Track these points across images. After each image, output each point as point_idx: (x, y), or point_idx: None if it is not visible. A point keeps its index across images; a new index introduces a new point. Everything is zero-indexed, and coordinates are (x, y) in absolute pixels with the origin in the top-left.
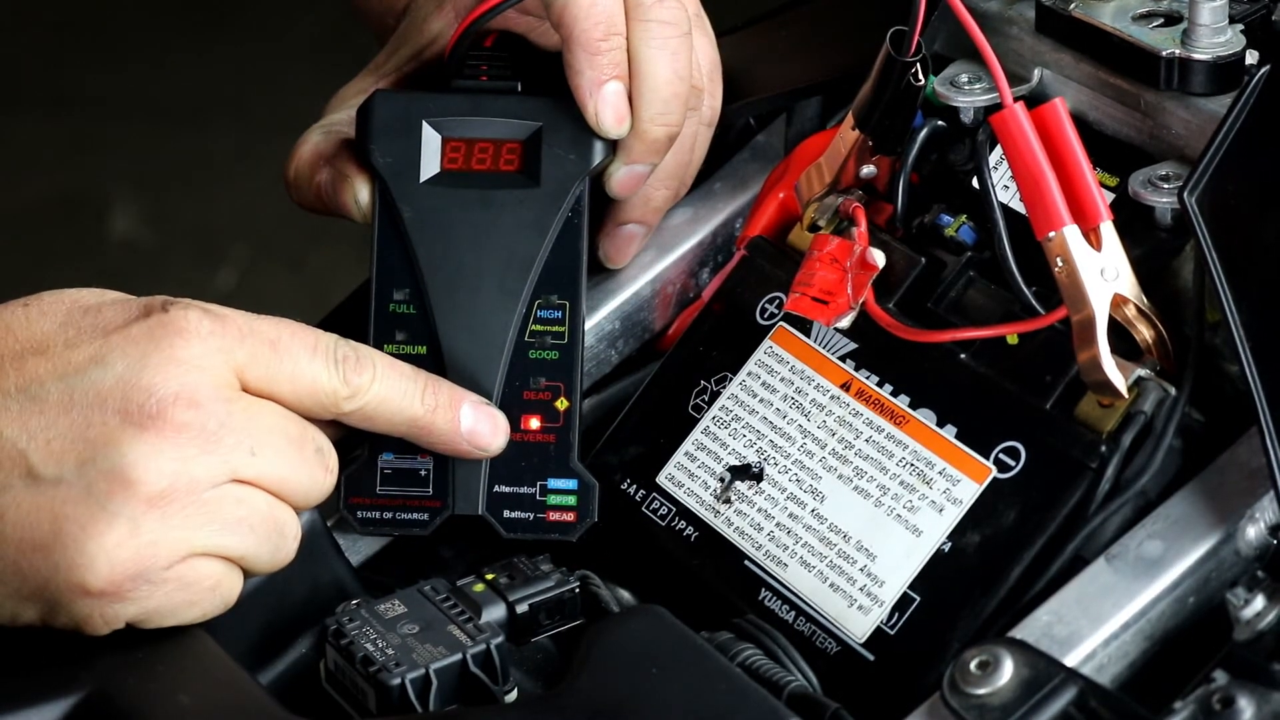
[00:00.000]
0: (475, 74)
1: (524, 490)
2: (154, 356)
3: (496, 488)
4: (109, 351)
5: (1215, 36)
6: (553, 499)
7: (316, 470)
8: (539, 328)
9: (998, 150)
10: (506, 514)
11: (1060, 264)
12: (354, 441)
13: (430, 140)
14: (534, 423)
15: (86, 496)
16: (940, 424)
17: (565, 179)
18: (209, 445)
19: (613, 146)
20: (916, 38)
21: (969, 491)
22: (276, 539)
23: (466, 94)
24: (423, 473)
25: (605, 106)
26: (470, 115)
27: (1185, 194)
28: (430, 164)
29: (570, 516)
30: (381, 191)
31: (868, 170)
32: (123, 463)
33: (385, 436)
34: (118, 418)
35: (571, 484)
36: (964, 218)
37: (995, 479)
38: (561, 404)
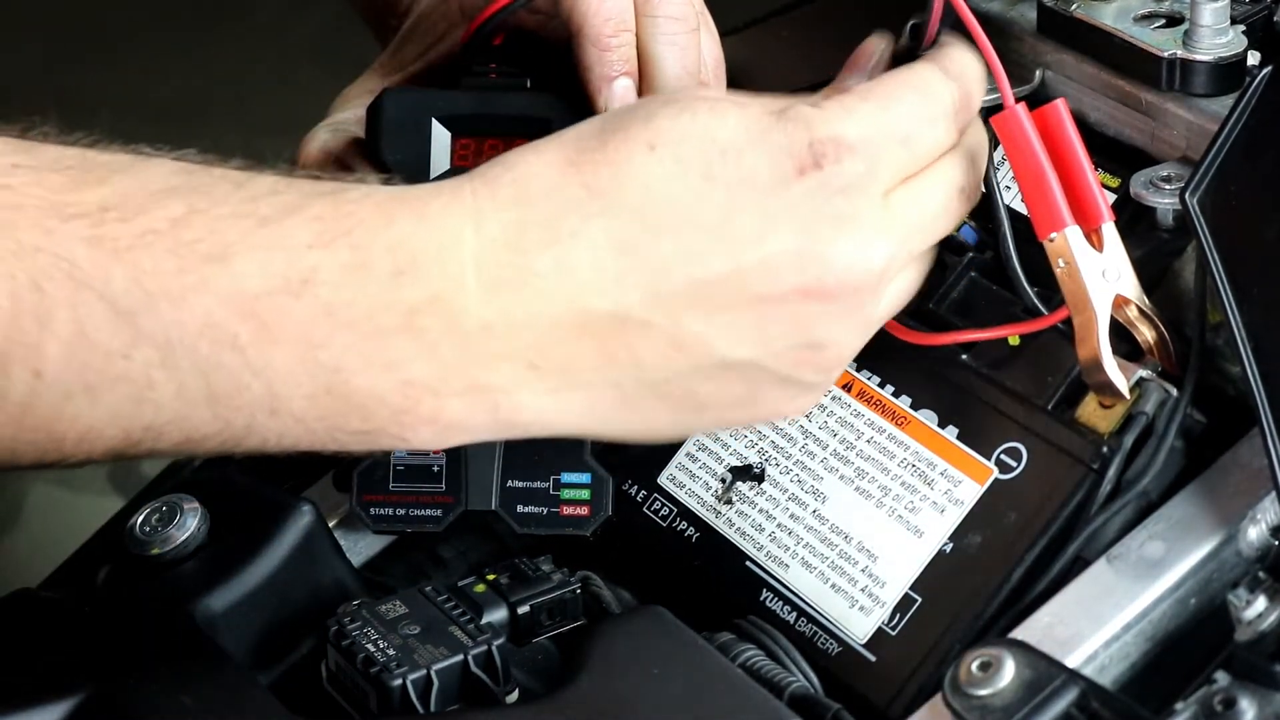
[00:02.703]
0: (484, 71)
1: (537, 485)
2: (824, 226)
3: (510, 483)
4: (774, 223)
5: (1217, 37)
6: (566, 493)
7: (958, 216)
8: None
9: (999, 150)
10: (520, 509)
11: (1062, 265)
12: None
13: (440, 138)
14: None
15: (782, 377)
16: (941, 425)
17: None
18: (878, 284)
19: None
20: (933, 30)
21: (970, 492)
22: None
23: (476, 91)
24: (435, 469)
25: (616, 102)
26: (479, 112)
27: (1187, 195)
28: (440, 161)
29: (584, 510)
30: None
31: None
32: (819, 340)
33: None
34: (798, 298)
35: (585, 478)
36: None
37: (996, 480)
38: None
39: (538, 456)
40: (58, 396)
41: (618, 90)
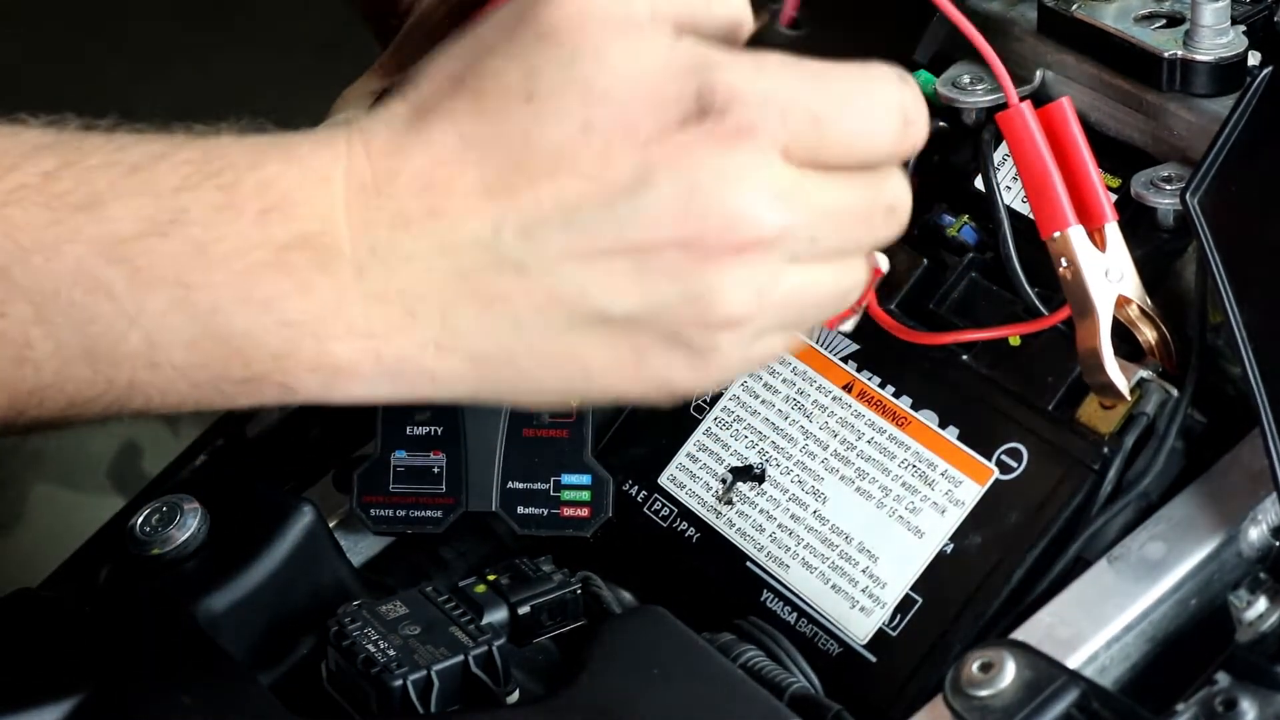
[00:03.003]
0: None
1: (537, 486)
2: (704, 176)
3: (510, 484)
4: (653, 171)
5: (1217, 38)
6: (566, 494)
7: (883, 232)
8: None
9: (1000, 150)
10: (520, 510)
11: (1065, 264)
12: (363, 438)
13: None
14: (546, 418)
15: (667, 337)
16: (942, 425)
17: None
18: (770, 252)
19: None
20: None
21: (971, 493)
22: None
23: None
24: (435, 470)
25: None
26: None
27: (1187, 195)
28: None
29: (584, 512)
30: None
31: None
32: (699, 294)
33: (398, 434)
34: (677, 249)
35: (585, 479)
36: (966, 218)
37: (997, 480)
38: None
39: (538, 458)
40: None
41: None
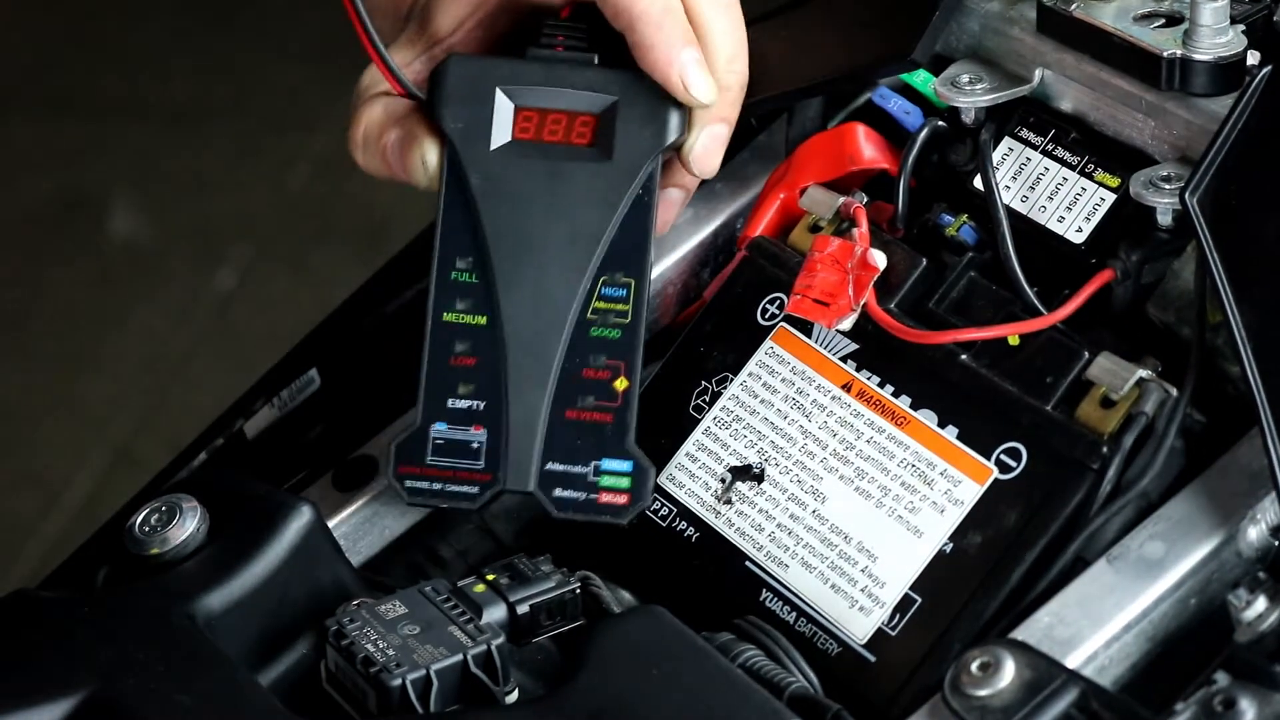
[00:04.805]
0: (551, 43)
1: (577, 469)
2: None
3: (550, 465)
4: None
5: (1216, 37)
6: (606, 480)
7: None
8: (602, 305)
9: (999, 150)
10: (558, 492)
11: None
12: (363, 438)
13: (503, 108)
14: (591, 401)
15: None
16: (941, 425)
17: (638, 155)
18: None
19: (686, 123)
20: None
21: (970, 492)
22: None
23: (542, 63)
24: (475, 445)
25: (692, 73)
26: (545, 85)
27: (1187, 195)
28: (501, 132)
29: (623, 499)
30: (450, 156)
31: None
32: None
33: (439, 406)
34: None
35: (627, 465)
36: (965, 217)
37: (996, 480)
38: (620, 384)
39: (580, 440)
40: None
41: (689, 61)
